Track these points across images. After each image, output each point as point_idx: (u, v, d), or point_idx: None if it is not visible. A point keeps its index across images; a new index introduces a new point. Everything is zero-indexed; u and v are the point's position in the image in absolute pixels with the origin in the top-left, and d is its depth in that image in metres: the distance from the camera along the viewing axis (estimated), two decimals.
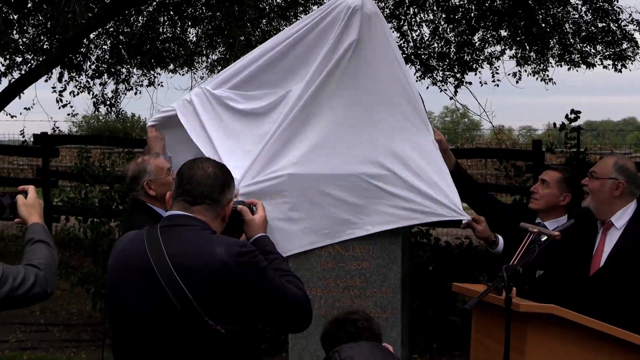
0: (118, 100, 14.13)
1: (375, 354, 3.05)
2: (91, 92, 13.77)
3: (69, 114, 14.13)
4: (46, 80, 12.94)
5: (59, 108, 13.27)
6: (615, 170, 4.48)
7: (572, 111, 8.78)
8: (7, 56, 11.07)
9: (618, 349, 3.62)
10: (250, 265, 3.00)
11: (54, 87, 13.06)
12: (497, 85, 13.39)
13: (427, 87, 13.50)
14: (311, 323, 3.25)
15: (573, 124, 8.92)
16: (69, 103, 13.38)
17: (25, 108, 12.76)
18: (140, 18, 13.30)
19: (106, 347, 6.75)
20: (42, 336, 8.99)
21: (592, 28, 12.49)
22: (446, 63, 13.23)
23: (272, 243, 3.34)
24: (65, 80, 13.22)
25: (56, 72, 12.89)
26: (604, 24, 12.41)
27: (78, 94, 13.61)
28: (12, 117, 12.53)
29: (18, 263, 3.22)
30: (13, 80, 11.82)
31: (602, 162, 4.63)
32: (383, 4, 12.43)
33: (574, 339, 3.62)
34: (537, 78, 13.45)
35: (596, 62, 13.03)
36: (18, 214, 3.34)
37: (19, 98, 12.42)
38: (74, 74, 13.39)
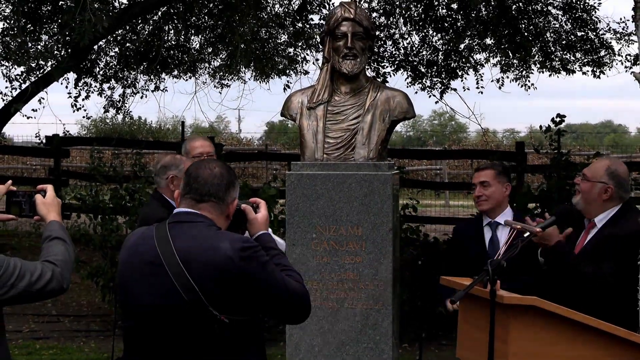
0: (125, 103, 14.16)
1: None
2: (103, 95, 13.85)
3: (83, 117, 14.18)
4: (65, 85, 13.03)
5: (73, 111, 13.37)
6: (606, 175, 4.37)
7: (558, 115, 8.93)
8: (26, 63, 11.08)
9: (596, 338, 3.65)
10: (253, 259, 3.02)
11: (69, 94, 13.18)
12: (482, 93, 13.43)
13: (416, 92, 13.54)
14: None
15: (558, 126, 9.02)
16: (83, 107, 13.45)
17: (32, 110, 12.81)
18: (146, 27, 13.33)
19: (116, 337, 6.78)
20: (53, 326, 9.01)
21: (572, 37, 12.54)
22: (434, 70, 13.25)
23: (273, 240, 3.35)
24: (80, 87, 13.28)
25: (72, 78, 12.95)
26: (583, 33, 12.46)
27: (88, 96, 13.64)
28: (27, 117, 12.59)
29: (31, 258, 3.23)
30: (30, 83, 11.84)
31: (595, 165, 4.52)
32: (375, 13, 12.44)
33: (554, 329, 3.64)
34: (519, 84, 13.48)
35: (576, 68, 13.08)
36: (37, 211, 3.33)
37: (40, 102, 12.47)
38: (88, 79, 13.45)
